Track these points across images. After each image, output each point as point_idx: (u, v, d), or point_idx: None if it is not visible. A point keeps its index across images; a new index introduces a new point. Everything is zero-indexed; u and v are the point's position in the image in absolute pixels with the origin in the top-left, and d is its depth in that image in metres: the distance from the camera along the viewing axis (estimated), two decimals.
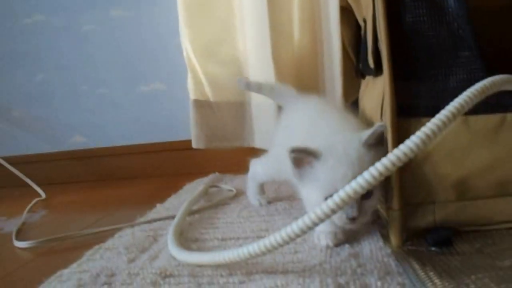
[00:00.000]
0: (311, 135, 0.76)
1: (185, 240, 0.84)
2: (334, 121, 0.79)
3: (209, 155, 1.55)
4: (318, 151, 0.67)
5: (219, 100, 1.47)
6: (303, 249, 0.73)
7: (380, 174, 0.55)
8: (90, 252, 0.82)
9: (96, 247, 0.85)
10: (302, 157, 0.68)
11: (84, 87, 1.70)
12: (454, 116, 0.56)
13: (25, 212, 1.24)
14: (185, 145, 1.54)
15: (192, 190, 1.23)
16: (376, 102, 0.72)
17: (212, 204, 1.08)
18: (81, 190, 1.58)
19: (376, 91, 0.74)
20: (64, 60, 1.69)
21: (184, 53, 1.42)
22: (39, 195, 1.49)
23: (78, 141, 1.75)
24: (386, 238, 0.72)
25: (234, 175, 1.40)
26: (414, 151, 0.54)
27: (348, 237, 0.75)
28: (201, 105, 1.48)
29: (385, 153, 0.58)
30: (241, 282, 0.63)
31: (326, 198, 0.59)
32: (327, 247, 0.73)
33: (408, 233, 0.69)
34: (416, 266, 0.60)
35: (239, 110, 1.48)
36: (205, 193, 1.19)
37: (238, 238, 0.82)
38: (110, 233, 0.93)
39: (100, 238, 0.90)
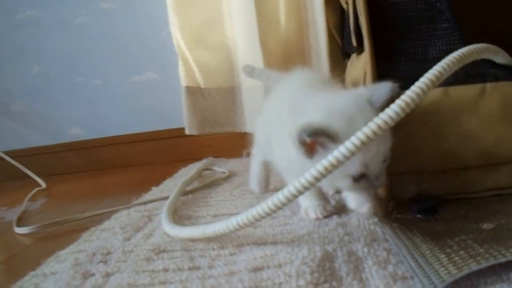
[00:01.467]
0: (294, 113, 0.67)
1: (179, 217, 0.86)
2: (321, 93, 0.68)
3: (203, 141, 1.58)
4: (335, 132, 0.58)
5: (210, 86, 1.50)
6: (293, 221, 0.75)
7: (362, 143, 0.55)
8: (87, 233, 0.84)
9: (93, 228, 0.87)
10: (315, 139, 0.59)
11: (80, 79, 1.72)
12: (432, 83, 0.56)
13: (25, 201, 1.27)
14: (179, 133, 1.57)
15: (186, 173, 1.25)
16: (359, 75, 0.74)
17: (205, 185, 1.10)
18: (80, 179, 1.61)
19: (359, 66, 0.76)
20: (59, 53, 1.71)
21: (174, 41, 1.44)
22: (40, 185, 1.52)
23: (76, 133, 1.77)
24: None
25: (227, 159, 1.43)
26: (394, 119, 0.55)
27: (336, 208, 0.76)
28: (193, 91, 1.50)
29: None
30: (231, 254, 0.65)
31: (355, 179, 0.61)
32: (317, 219, 0.74)
33: (396, 202, 0.71)
34: (400, 232, 0.62)
35: (230, 96, 1.51)
36: (198, 176, 1.21)
37: (230, 214, 0.84)
38: (107, 216, 0.95)
39: (97, 220, 0.92)
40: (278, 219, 0.77)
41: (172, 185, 1.14)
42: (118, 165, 1.73)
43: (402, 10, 0.68)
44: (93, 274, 0.65)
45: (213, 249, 0.68)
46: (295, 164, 0.64)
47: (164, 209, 0.86)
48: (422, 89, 0.56)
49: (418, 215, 0.68)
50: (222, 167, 1.31)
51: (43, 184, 1.52)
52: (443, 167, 0.70)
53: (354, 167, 0.60)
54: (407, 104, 0.55)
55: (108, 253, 0.72)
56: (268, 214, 0.60)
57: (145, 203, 1.01)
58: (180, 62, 1.46)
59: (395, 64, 0.69)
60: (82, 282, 0.63)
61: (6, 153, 1.68)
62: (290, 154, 0.63)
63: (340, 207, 0.77)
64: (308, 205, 0.76)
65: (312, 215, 0.75)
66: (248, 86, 1.42)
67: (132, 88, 1.69)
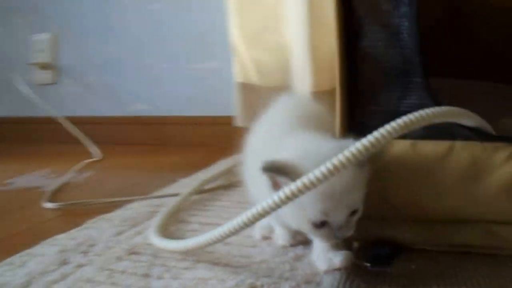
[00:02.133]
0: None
1: (175, 220, 0.93)
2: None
3: None
4: (297, 170, 0.59)
5: (263, 85, 1.54)
6: (261, 245, 0.79)
7: (308, 185, 0.56)
8: (91, 220, 0.94)
9: (101, 216, 0.96)
10: (275, 177, 0.61)
11: (149, 61, 1.84)
12: (390, 135, 0.57)
13: (70, 171, 1.40)
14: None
15: (223, 166, 1.31)
16: None
17: (224, 185, 1.16)
18: (137, 153, 1.74)
19: None
20: (132, 34, 1.85)
21: (231, 39, 1.50)
22: (96, 156, 1.66)
23: (140, 108, 1.90)
24: None
25: None
26: (345, 164, 0.56)
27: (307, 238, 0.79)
28: (245, 87, 1.55)
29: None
30: (185, 268, 0.71)
31: (312, 225, 0.61)
32: (283, 247, 0.78)
33: (359, 244, 0.73)
34: (337, 278, 0.64)
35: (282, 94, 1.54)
36: (228, 172, 1.25)
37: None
38: (123, 203, 1.05)
39: (112, 207, 1.02)
40: (251, 239, 0.81)
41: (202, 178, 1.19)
42: (174, 143, 1.84)
43: (380, 61, 0.69)
44: (68, 263, 0.75)
45: (176, 260, 0.74)
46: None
47: (162, 210, 0.93)
48: (375, 139, 0.57)
49: (368, 264, 0.69)
50: None
51: (99, 155, 1.65)
52: (408, 217, 0.71)
53: (313, 213, 0.61)
54: (359, 151, 0.56)
55: (92, 245, 0.81)
56: (219, 241, 0.66)
57: (159, 197, 1.09)
58: (235, 59, 1.52)
59: (368, 113, 0.70)
60: (56, 269, 0.73)
61: (73, 118, 1.86)
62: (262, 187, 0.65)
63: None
64: (280, 231, 0.79)
65: (279, 242, 0.78)
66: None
67: (195, 74, 1.79)
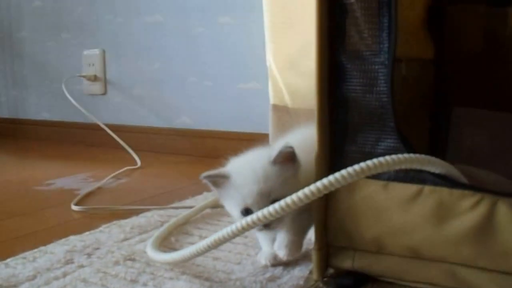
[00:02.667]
0: None
1: (179, 232, 1.01)
2: None
3: None
4: (226, 173, 0.79)
5: (297, 107, 1.60)
6: (245, 262, 0.85)
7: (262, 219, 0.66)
8: (106, 225, 1.04)
9: (115, 221, 1.06)
10: (215, 180, 0.80)
11: (193, 79, 1.98)
12: (344, 179, 0.64)
13: (107, 178, 1.51)
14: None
15: None
16: None
17: None
18: (176, 164, 1.84)
19: None
20: (176, 55, 2.01)
21: (268, 64, 1.57)
22: (136, 163, 1.77)
23: (184, 122, 2.02)
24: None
25: None
26: (303, 200, 0.65)
27: (289, 261, 0.83)
28: (279, 109, 1.62)
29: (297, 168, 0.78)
30: (170, 278, 0.78)
31: (242, 213, 0.75)
32: (265, 266, 0.83)
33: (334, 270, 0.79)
34: None
35: (314, 116, 1.59)
36: None
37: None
38: (141, 211, 1.14)
39: (129, 214, 1.11)
40: (237, 256, 0.87)
41: None
42: (218, 156, 1.91)
43: (358, 105, 0.73)
44: (72, 263, 0.84)
45: (165, 269, 0.82)
46: None
47: (167, 223, 1.01)
48: (328, 183, 0.64)
49: None
50: None
51: (139, 163, 1.75)
52: (375, 250, 0.75)
53: (237, 201, 0.77)
54: (325, 187, 0.64)
55: (97, 248, 0.90)
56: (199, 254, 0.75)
57: (175, 208, 1.18)
58: (270, 83, 1.59)
59: (346, 153, 0.75)
60: (60, 267, 0.82)
61: (118, 126, 2.04)
62: None
63: (294, 260, 0.85)
64: (264, 250, 0.85)
65: (261, 261, 0.84)
66: None
67: (237, 93, 1.89)
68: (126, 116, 2.15)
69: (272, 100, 1.62)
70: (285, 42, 1.55)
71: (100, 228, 1.02)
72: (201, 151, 1.98)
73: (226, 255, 0.87)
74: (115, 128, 2.05)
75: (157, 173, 1.69)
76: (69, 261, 0.85)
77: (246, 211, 0.76)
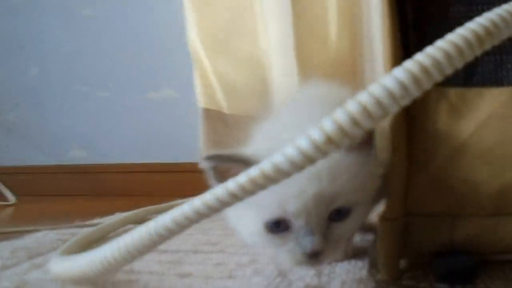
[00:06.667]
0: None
1: None
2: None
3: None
4: (249, 157, 0.43)
5: (236, 113, 1.22)
6: (236, 274, 0.56)
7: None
8: None
9: None
10: (224, 167, 0.45)
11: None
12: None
13: None
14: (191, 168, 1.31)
15: None
16: None
17: None
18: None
19: None
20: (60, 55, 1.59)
21: (190, 47, 1.20)
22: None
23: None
24: (373, 265, 0.52)
25: None
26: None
27: None
28: (212, 116, 1.23)
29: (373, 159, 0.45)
30: None
31: (268, 227, 0.44)
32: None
33: (410, 258, 0.51)
34: None
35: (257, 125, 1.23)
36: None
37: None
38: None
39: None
40: (230, 268, 0.59)
41: None
42: (117, 193, 1.55)
43: None
44: None
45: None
46: None
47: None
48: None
49: (441, 285, 0.46)
50: None
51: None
52: (492, 212, 0.46)
53: (267, 208, 0.43)
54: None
55: None
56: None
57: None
58: (195, 74, 1.21)
59: None
60: None
61: None
62: None
63: None
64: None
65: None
66: None
67: (147, 106, 1.51)
68: None
69: (201, 102, 1.22)
70: (211, 11, 1.19)
71: None
72: (97, 189, 1.57)
73: (214, 268, 0.58)
74: None
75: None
76: None
77: (277, 225, 0.44)
